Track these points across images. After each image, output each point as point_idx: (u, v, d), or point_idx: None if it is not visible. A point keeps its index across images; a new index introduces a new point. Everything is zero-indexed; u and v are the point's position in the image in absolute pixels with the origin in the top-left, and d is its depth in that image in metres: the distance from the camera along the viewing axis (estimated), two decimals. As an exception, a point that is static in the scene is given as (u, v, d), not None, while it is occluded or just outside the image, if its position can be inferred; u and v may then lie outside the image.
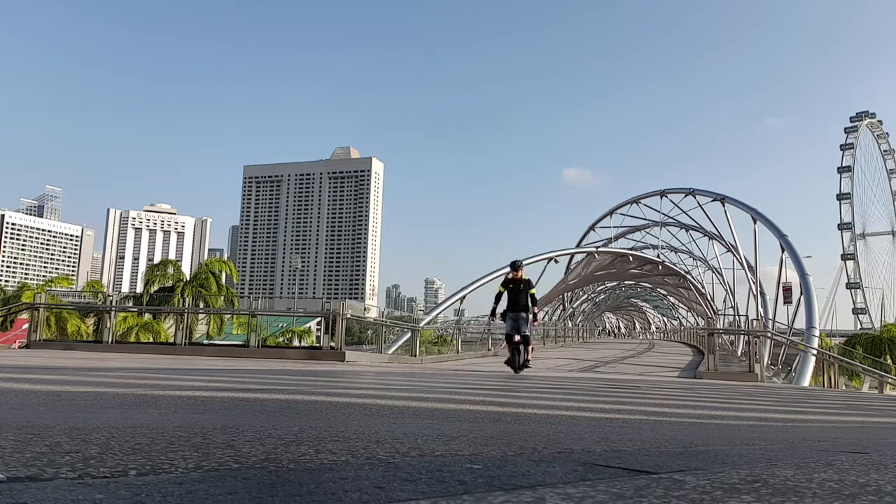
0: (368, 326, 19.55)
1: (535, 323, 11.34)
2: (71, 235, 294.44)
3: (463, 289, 30.07)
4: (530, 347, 11.19)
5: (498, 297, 11.15)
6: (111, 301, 19.21)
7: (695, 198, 48.65)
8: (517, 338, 10.89)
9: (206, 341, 29.02)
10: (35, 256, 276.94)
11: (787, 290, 33.18)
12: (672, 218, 53.25)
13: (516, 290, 11.00)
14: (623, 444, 2.04)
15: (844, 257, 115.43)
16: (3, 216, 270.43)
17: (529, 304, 11.01)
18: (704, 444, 2.30)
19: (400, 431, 2.04)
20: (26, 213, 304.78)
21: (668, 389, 8.48)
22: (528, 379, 9.16)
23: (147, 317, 34.99)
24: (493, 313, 11.29)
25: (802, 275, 30.19)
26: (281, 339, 43.96)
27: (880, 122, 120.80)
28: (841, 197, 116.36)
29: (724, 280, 48.61)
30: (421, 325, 21.22)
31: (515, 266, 11.17)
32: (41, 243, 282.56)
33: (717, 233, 48.24)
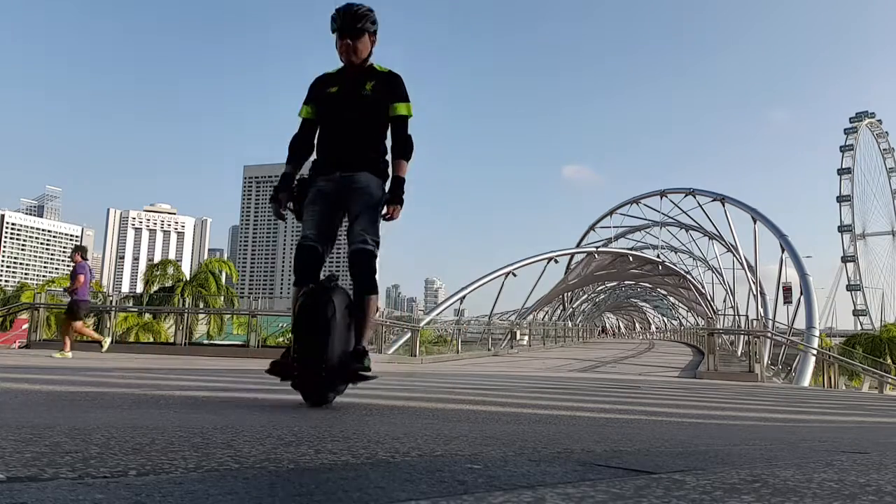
0: (368, 326, 19.50)
1: (393, 212, 3.29)
2: (71, 235, 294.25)
3: (463, 289, 30.05)
4: (373, 310, 3.37)
5: (299, 139, 3.47)
6: (111, 301, 19.20)
7: (695, 198, 48.65)
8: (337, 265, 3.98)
9: (206, 341, 29.01)
10: (35, 256, 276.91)
11: (787, 290, 33.17)
12: (672, 218, 53.29)
13: (350, 102, 3.37)
14: (623, 444, 2.04)
15: (844, 259, 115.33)
16: (3, 216, 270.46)
17: (384, 148, 3.43)
18: (704, 444, 2.30)
19: (400, 431, 2.04)
20: (26, 213, 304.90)
21: (668, 389, 8.48)
22: (524, 380, 9.15)
23: (147, 317, 34.96)
24: (281, 188, 3.37)
25: (802, 275, 30.19)
26: (281, 339, 43.86)
27: (879, 121, 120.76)
28: (841, 199, 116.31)
29: (724, 280, 48.65)
30: (421, 325, 21.20)
31: (354, 22, 3.35)
32: (41, 243, 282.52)
33: (717, 233, 48.26)
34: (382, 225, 3.36)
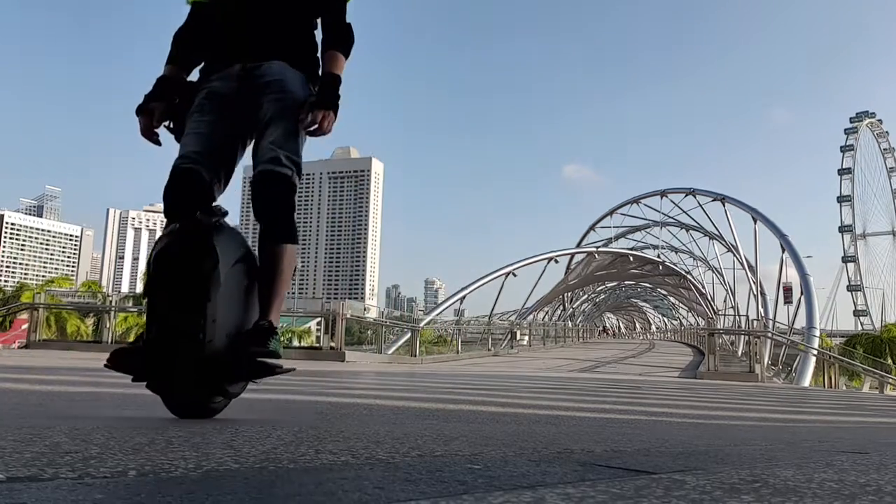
0: (368, 326, 19.56)
1: (323, 121, 2.10)
2: (70, 235, 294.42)
3: (463, 289, 30.06)
4: (289, 268, 2.15)
5: (186, 29, 2.30)
6: (111, 301, 19.20)
7: (695, 197, 48.76)
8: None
9: (206, 341, 28.94)
10: (34, 256, 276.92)
11: (788, 290, 33.21)
12: (672, 218, 53.43)
13: None
14: (623, 444, 2.04)
15: (845, 259, 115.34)
16: (2, 216, 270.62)
17: (312, 38, 2.30)
18: (705, 444, 2.30)
19: (400, 432, 2.04)
20: (26, 213, 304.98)
21: (668, 390, 8.48)
22: (524, 380, 9.15)
23: (147, 317, 34.91)
24: (154, 95, 2.17)
25: (803, 275, 30.24)
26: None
27: (880, 121, 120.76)
28: (841, 199, 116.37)
29: (724, 280, 48.76)
30: (421, 325, 21.21)
31: None
32: (40, 243, 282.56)
33: (717, 233, 48.38)
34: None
